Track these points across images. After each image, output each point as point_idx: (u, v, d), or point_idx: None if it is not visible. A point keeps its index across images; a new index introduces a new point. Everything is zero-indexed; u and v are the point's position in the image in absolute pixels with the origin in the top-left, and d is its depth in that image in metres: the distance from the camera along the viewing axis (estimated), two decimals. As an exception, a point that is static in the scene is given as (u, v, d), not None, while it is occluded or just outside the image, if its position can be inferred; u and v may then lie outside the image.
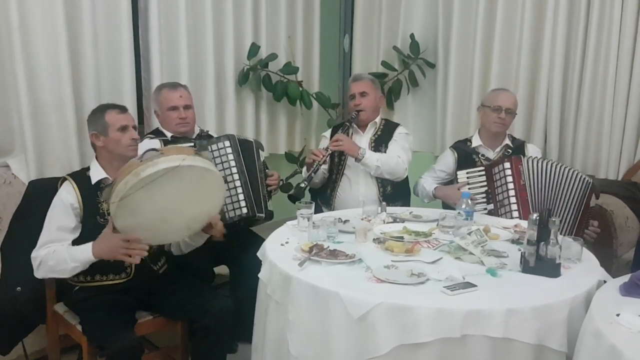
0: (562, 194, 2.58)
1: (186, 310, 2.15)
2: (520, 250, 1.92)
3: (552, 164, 2.64)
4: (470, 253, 1.94)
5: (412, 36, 3.95)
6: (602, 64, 3.30)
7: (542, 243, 1.80)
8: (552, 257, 1.79)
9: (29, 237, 2.11)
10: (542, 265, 1.80)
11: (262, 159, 2.76)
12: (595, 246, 2.82)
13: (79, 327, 2.08)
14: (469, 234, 1.99)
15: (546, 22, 3.45)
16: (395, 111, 4.17)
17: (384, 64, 4.04)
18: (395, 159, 2.90)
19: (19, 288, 2.16)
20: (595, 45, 3.30)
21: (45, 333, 2.29)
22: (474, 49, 3.72)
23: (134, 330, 2.04)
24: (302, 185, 2.73)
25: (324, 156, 2.81)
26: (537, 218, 1.81)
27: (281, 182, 2.94)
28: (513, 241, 2.14)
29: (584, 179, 2.59)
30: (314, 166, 2.80)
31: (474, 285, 1.69)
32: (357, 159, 2.86)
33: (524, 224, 2.27)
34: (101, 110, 2.18)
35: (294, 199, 2.66)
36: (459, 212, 2.19)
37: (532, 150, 2.92)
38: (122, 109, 2.20)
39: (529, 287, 1.73)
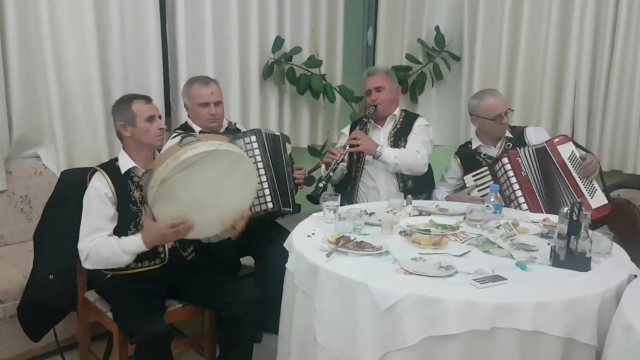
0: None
1: (214, 300, 2.18)
2: (549, 244, 1.91)
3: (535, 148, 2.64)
4: (499, 247, 1.93)
5: (437, 28, 3.92)
6: (630, 56, 3.25)
7: (573, 237, 1.78)
8: (582, 251, 1.77)
9: (61, 226, 2.16)
10: (572, 259, 1.78)
11: (288, 153, 2.75)
12: (622, 241, 2.79)
13: (110, 315, 2.12)
14: (498, 227, 1.98)
15: (574, 13, 3.40)
16: (419, 104, 4.15)
17: (408, 56, 4.02)
18: (414, 154, 2.87)
19: (51, 276, 2.19)
20: (624, 37, 3.24)
21: (76, 320, 2.34)
22: (500, 42, 3.67)
23: (164, 318, 2.08)
24: (321, 185, 2.71)
25: (341, 154, 2.79)
26: (568, 212, 1.80)
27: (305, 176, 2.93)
28: (542, 235, 2.13)
29: (540, 147, 2.62)
30: (332, 165, 2.77)
31: (504, 279, 1.69)
32: (375, 157, 2.85)
33: (553, 218, 2.26)
34: (127, 100, 2.19)
35: (313, 199, 2.66)
36: (487, 205, 2.18)
37: (533, 133, 2.86)
38: (148, 99, 2.22)
39: (559, 281, 1.72)
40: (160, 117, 2.22)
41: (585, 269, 1.78)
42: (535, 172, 2.60)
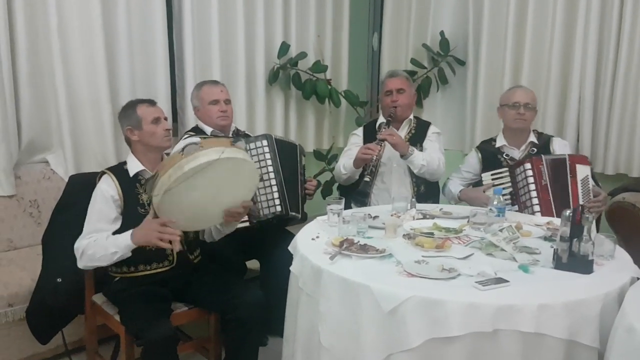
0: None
1: (219, 302, 2.20)
2: (552, 247, 1.91)
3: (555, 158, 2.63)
4: (502, 249, 1.94)
5: (442, 33, 3.94)
6: (635, 59, 3.24)
7: (575, 239, 1.79)
8: (584, 254, 1.78)
9: (69, 230, 2.19)
10: (574, 261, 1.79)
11: (303, 163, 2.82)
12: (626, 244, 2.79)
13: (117, 317, 2.14)
14: (501, 230, 1.99)
15: (578, 17, 3.40)
16: (425, 109, 4.16)
17: (413, 61, 4.04)
18: (437, 160, 2.91)
19: (59, 279, 2.22)
20: (629, 41, 3.24)
21: (84, 323, 2.36)
22: (505, 46, 3.69)
23: (170, 320, 2.09)
24: (367, 179, 2.78)
25: (379, 150, 2.80)
26: (571, 214, 1.80)
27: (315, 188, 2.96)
28: (545, 238, 2.14)
29: (561, 158, 2.62)
30: (374, 160, 2.80)
31: (506, 281, 1.69)
32: (405, 156, 2.86)
33: (556, 221, 2.26)
34: (132, 105, 2.23)
35: (362, 194, 2.75)
36: (490, 209, 2.19)
37: (559, 144, 2.86)
38: (152, 102, 2.26)
39: (561, 283, 1.73)
40: (166, 118, 2.26)
41: (587, 271, 1.78)
42: (556, 184, 2.58)
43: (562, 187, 2.57)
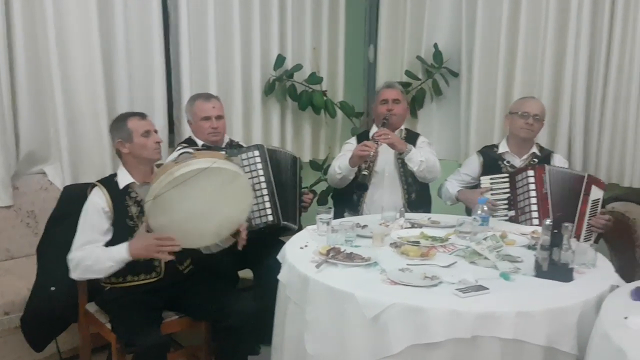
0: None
1: (210, 311, 2.23)
2: (534, 255, 1.94)
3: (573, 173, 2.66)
4: (485, 258, 1.97)
5: (435, 46, 3.98)
6: (626, 71, 3.28)
7: (555, 248, 1.82)
8: (565, 262, 1.82)
9: (63, 240, 2.22)
10: (555, 269, 1.82)
11: (300, 175, 2.88)
12: (616, 252, 2.82)
13: (109, 326, 2.18)
14: (485, 239, 2.03)
15: (569, 29, 3.44)
16: (419, 120, 4.20)
17: (408, 73, 4.09)
18: (434, 159, 2.97)
19: (53, 288, 2.26)
20: (619, 52, 3.28)
21: (78, 331, 2.39)
22: (498, 58, 3.72)
23: (160, 328, 2.13)
24: (365, 173, 2.86)
25: (376, 148, 2.84)
26: (551, 223, 1.84)
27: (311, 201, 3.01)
28: (529, 247, 2.17)
29: (580, 175, 2.67)
30: (371, 156, 2.85)
31: (486, 288, 1.73)
32: (403, 154, 2.90)
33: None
34: (122, 119, 2.27)
35: (361, 187, 2.86)
36: (474, 218, 2.23)
37: (559, 161, 2.92)
38: (142, 116, 2.29)
39: (541, 291, 1.76)
40: (156, 131, 2.29)
41: (567, 279, 1.82)
42: (557, 192, 2.62)
43: (572, 202, 2.59)
